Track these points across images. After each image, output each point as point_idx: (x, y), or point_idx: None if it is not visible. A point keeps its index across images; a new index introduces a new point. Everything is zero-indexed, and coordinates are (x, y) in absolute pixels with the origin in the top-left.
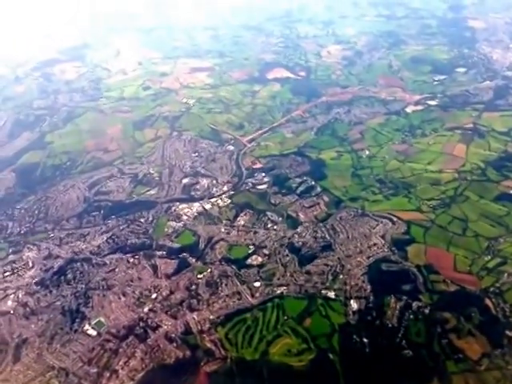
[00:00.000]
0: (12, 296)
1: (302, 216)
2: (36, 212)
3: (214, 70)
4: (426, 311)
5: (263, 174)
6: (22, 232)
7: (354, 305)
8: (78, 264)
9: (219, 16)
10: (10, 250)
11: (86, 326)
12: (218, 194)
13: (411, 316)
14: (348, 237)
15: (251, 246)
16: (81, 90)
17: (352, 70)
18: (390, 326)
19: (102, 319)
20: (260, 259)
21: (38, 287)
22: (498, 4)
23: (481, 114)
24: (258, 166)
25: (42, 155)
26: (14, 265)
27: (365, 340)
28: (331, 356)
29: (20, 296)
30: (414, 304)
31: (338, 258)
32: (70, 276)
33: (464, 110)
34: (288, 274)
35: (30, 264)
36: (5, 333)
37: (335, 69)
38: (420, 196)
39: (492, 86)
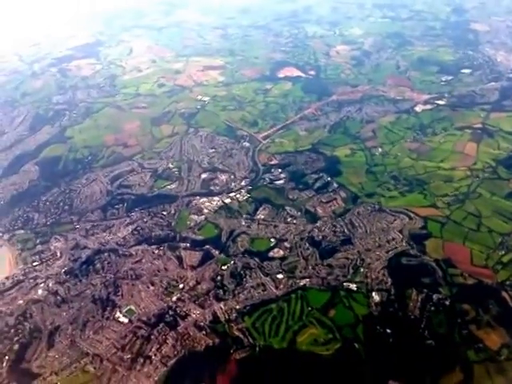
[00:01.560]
0: (42, 285)
1: (319, 211)
2: (61, 204)
3: (225, 68)
4: (447, 303)
5: (279, 170)
6: (48, 223)
7: (376, 297)
8: (106, 254)
9: (227, 16)
10: (38, 241)
11: (118, 314)
12: (237, 188)
13: (432, 308)
14: (366, 231)
15: (272, 240)
16: (97, 87)
17: (361, 70)
18: (412, 317)
19: (133, 307)
20: (282, 252)
21: (68, 276)
22: (499, 8)
23: (488, 114)
24: (274, 162)
25: (63, 149)
26: (42, 255)
27: (388, 330)
28: (356, 345)
29: (50, 285)
30: (435, 296)
31: (358, 252)
32: (98, 266)
33: (472, 110)
34: (310, 267)
35: (58, 254)
36: (38, 320)
37: (344, 68)
38: (434, 192)
39: (497, 87)
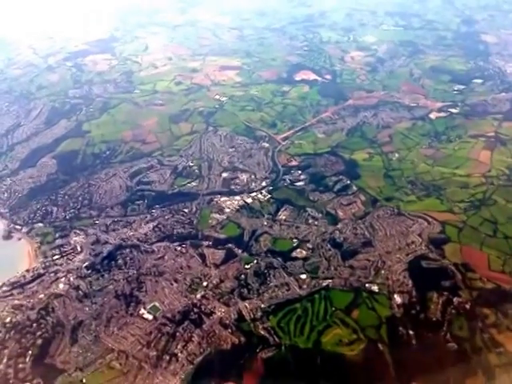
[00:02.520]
0: (63, 279)
1: (340, 213)
2: (80, 198)
3: (242, 68)
4: (467, 306)
5: (299, 172)
6: (68, 217)
7: (397, 299)
8: (127, 250)
9: (243, 17)
10: (57, 235)
11: (142, 310)
12: (257, 188)
13: (453, 311)
14: (386, 234)
15: (295, 240)
16: (114, 82)
17: (375, 76)
18: (434, 319)
19: (157, 304)
20: (304, 253)
21: (89, 271)
22: (507, 21)
23: (501, 123)
24: (294, 163)
25: (81, 143)
26: (62, 249)
27: (411, 332)
28: (381, 346)
29: (71, 279)
30: (455, 299)
31: (379, 254)
32: (120, 261)
33: (485, 119)
34: (332, 268)
35: (79, 248)
36: (60, 315)
37: (359, 74)
38: (451, 198)
39: (509, 98)
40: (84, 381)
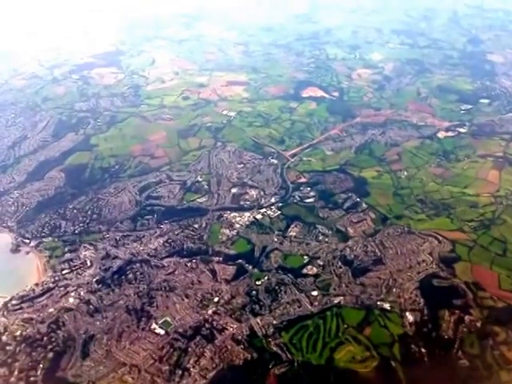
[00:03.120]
0: (73, 293)
1: (350, 230)
2: (89, 212)
3: (249, 84)
4: (478, 325)
5: (308, 189)
6: (77, 231)
7: (409, 317)
8: (138, 265)
9: (249, 33)
10: (66, 249)
11: (154, 325)
12: (267, 205)
13: (464, 329)
14: (397, 252)
15: (305, 257)
16: (121, 96)
17: (382, 94)
18: (446, 337)
19: (168, 319)
20: (315, 269)
21: (99, 285)
22: None
23: (508, 143)
24: (303, 180)
25: (89, 157)
26: (71, 263)
27: (423, 350)
28: (393, 364)
29: (82, 293)
30: (467, 318)
31: (390, 272)
32: (130, 276)
33: (493, 139)
34: (343, 285)
35: (89, 263)
36: (71, 329)
37: (366, 91)
38: (461, 217)
39: None
40: None
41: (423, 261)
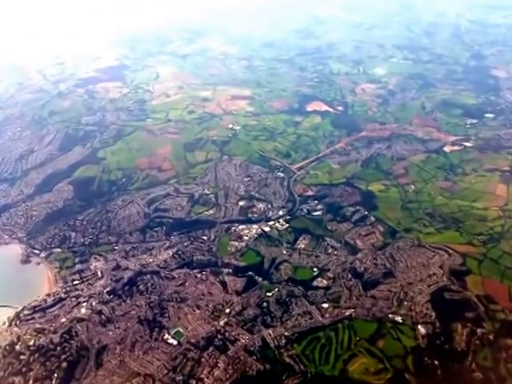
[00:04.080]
0: (85, 304)
1: (359, 243)
2: (98, 224)
3: (253, 98)
4: (491, 337)
5: (316, 202)
6: (86, 243)
7: (421, 329)
8: (148, 276)
9: (251, 48)
10: (77, 260)
11: (166, 335)
12: (275, 217)
13: (477, 341)
14: (407, 265)
15: (315, 269)
16: (127, 110)
17: (387, 108)
18: (459, 349)
19: (181, 329)
20: (325, 282)
21: (111, 296)
22: None
23: None
24: (310, 193)
25: (96, 170)
26: (82, 274)
27: (436, 362)
28: (407, 376)
29: (93, 304)
30: (479, 331)
31: (401, 285)
32: (141, 287)
33: (499, 153)
34: (354, 298)
35: (99, 274)
36: (84, 339)
37: (371, 106)
38: (470, 231)
39: None
40: None
41: (434, 274)
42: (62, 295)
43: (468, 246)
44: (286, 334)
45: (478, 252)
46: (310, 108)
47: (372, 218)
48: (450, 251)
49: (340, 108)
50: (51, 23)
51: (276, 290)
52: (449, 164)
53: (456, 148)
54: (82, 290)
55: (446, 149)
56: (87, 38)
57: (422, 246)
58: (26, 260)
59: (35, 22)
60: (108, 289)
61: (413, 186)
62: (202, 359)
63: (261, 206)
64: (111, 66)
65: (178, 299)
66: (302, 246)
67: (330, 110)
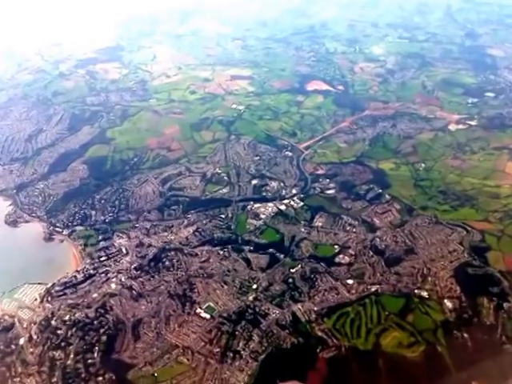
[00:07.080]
0: (114, 279)
1: (377, 221)
2: (116, 203)
3: (253, 78)
4: None
5: (328, 180)
6: (107, 220)
7: (448, 304)
8: (172, 253)
9: (244, 27)
10: (100, 237)
11: (198, 309)
12: (289, 196)
13: (504, 315)
14: (427, 242)
15: (336, 246)
16: (129, 90)
17: (387, 87)
18: (487, 323)
19: (212, 304)
20: (347, 258)
21: (139, 272)
22: (511, 35)
23: None
24: (321, 172)
25: (107, 150)
26: (107, 251)
27: (466, 335)
28: (439, 349)
29: (123, 279)
30: (505, 305)
31: (423, 262)
32: (167, 263)
33: (505, 132)
34: (378, 274)
35: (124, 251)
36: (119, 313)
37: (371, 85)
38: (484, 208)
39: None
40: (156, 375)
41: (454, 250)
42: (91, 271)
43: (485, 223)
44: (315, 308)
45: (495, 229)
46: (310, 87)
47: (387, 196)
48: (468, 228)
49: (340, 87)
50: (45, 6)
51: (299, 266)
52: (456, 142)
53: (461, 126)
54: (110, 266)
55: (451, 127)
56: (81, 20)
57: (440, 223)
58: (48, 238)
59: (27, 5)
60: (135, 265)
61: (423, 164)
62: (237, 332)
63: (274, 184)
64: (108, 46)
65: (205, 275)
66: (320, 224)
67: (331, 89)
